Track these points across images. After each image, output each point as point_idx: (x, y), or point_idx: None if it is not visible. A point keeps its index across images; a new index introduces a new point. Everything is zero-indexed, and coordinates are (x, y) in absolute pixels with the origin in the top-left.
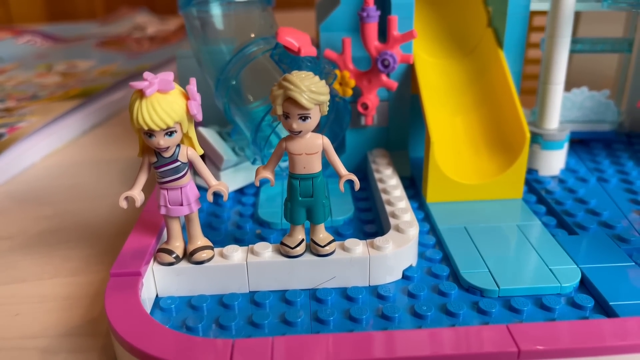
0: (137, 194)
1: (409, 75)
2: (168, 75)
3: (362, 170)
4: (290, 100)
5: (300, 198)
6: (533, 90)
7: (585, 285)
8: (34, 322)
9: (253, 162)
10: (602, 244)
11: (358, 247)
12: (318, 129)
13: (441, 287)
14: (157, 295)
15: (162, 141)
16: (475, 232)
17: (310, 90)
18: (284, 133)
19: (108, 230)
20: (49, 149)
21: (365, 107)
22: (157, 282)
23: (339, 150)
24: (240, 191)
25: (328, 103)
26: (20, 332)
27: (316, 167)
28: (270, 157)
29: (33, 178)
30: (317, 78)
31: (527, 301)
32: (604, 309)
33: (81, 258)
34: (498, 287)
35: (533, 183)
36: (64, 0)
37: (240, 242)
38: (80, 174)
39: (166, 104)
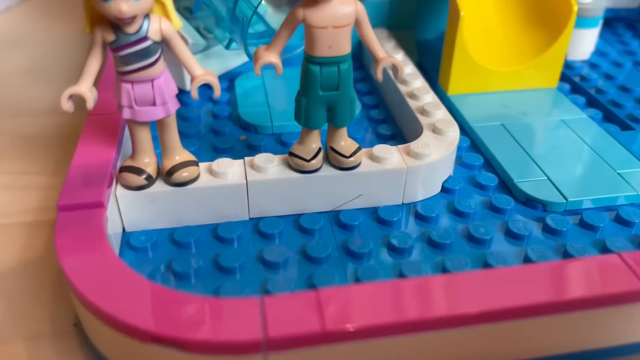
0: (88, 90)
1: None
2: None
3: (357, 55)
4: None
5: (320, 92)
6: None
7: None
8: None
9: (227, 47)
10: None
11: (391, 155)
12: None
13: (494, 202)
14: (123, 230)
15: (125, 5)
16: (516, 130)
17: None
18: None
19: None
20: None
21: None
22: (122, 212)
23: None
24: (209, 85)
25: None
26: None
27: (345, 46)
28: (277, 33)
29: None
30: None
31: (602, 215)
32: None
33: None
34: (566, 199)
35: (563, 69)
36: None
37: (222, 152)
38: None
39: None
